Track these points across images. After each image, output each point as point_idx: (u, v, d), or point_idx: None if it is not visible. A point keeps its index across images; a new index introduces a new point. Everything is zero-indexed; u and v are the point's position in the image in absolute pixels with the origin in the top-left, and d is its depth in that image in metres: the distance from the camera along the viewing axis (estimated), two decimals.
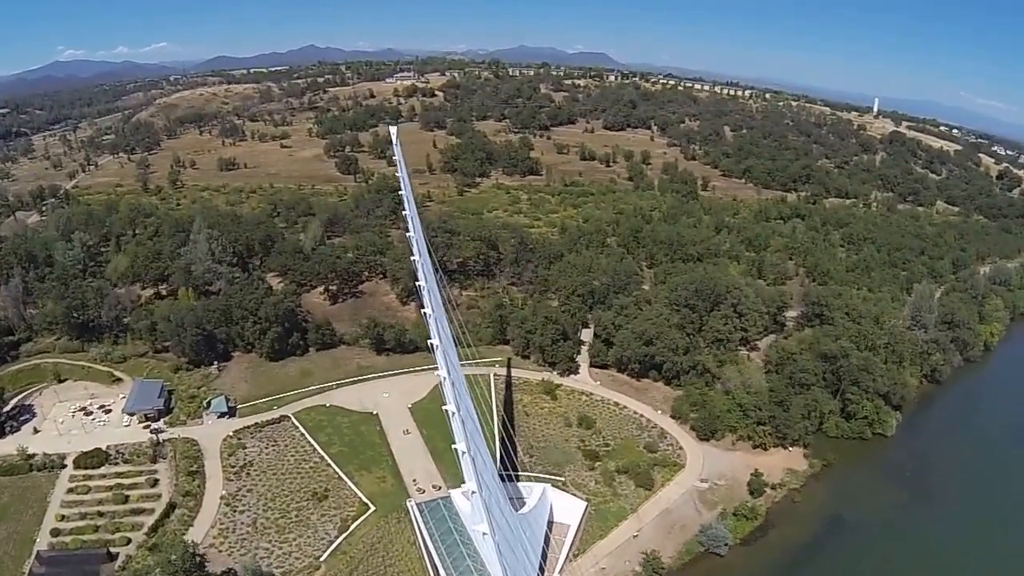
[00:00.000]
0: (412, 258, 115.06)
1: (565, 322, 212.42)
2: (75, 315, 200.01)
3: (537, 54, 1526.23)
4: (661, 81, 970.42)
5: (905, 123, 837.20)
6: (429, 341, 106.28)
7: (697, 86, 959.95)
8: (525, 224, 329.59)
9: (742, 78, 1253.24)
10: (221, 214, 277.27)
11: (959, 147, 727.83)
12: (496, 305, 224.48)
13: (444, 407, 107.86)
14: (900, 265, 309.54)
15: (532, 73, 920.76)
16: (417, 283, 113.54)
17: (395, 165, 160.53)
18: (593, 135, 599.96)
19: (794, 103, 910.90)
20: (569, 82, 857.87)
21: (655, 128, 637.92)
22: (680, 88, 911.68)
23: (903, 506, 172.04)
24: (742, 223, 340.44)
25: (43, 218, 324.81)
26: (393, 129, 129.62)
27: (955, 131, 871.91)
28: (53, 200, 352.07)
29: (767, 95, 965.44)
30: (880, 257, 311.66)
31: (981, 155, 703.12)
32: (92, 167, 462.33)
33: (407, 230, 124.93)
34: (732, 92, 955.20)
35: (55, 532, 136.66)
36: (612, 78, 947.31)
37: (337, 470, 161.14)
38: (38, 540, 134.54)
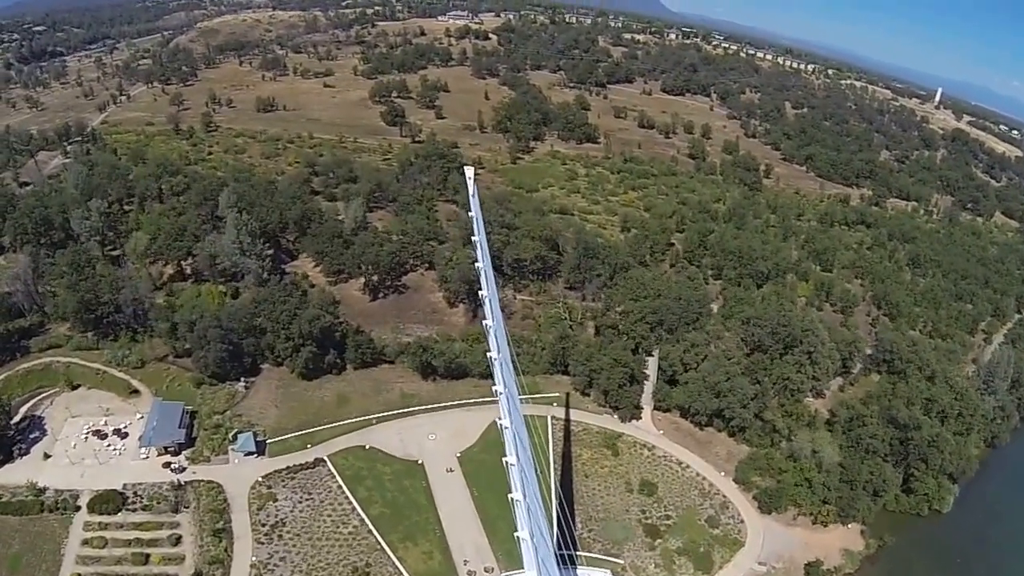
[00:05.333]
0: (485, 324, 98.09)
1: (633, 364, 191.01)
2: (89, 308, 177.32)
3: None
4: (723, 45, 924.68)
5: (967, 118, 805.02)
6: (494, 388, 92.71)
7: (759, 54, 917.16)
8: (583, 208, 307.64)
9: (799, 41, 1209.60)
10: (253, 184, 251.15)
11: (1020, 152, 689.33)
12: (559, 337, 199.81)
13: (509, 494, 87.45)
14: (965, 297, 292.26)
15: (589, 22, 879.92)
16: (489, 355, 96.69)
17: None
18: (651, 98, 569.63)
19: (857, 83, 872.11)
20: (628, 36, 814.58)
21: (715, 96, 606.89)
22: (742, 55, 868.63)
23: None
24: (809, 230, 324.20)
25: (66, 160, 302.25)
26: (468, 172, 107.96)
27: (1015, 132, 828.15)
28: (79, 139, 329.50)
29: (829, 71, 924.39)
30: (946, 285, 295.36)
31: None
32: (124, 98, 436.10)
33: (473, 260, 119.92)
34: (795, 65, 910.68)
35: None
36: (673, 36, 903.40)
37: (379, 539, 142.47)
38: None
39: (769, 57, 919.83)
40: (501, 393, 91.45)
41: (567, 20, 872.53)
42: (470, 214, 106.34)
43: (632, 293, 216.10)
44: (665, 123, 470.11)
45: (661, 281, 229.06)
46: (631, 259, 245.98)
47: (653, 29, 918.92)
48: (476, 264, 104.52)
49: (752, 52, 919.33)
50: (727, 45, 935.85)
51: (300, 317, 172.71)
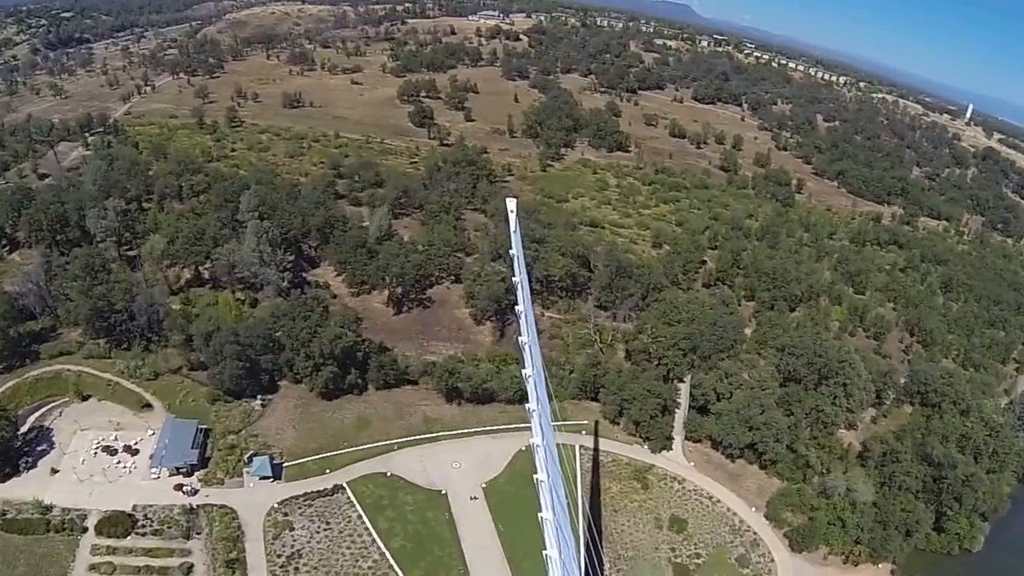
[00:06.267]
0: (520, 340, 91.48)
1: (666, 394, 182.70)
2: (102, 316, 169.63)
3: None
4: (755, 54, 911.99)
5: (997, 135, 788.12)
6: (527, 406, 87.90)
7: (791, 64, 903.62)
8: (614, 221, 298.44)
9: (827, 50, 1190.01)
10: (276, 186, 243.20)
11: None
12: (590, 364, 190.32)
13: (545, 551, 78.64)
14: (998, 324, 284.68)
15: (620, 27, 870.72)
16: (523, 372, 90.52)
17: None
18: (682, 106, 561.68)
19: (889, 97, 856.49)
20: (660, 42, 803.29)
21: (746, 107, 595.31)
22: (774, 65, 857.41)
23: None
24: (842, 250, 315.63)
25: (87, 152, 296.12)
26: (511, 203, 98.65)
27: None
28: (101, 130, 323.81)
29: (861, 84, 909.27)
30: (978, 311, 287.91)
31: None
32: (149, 88, 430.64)
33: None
34: (827, 77, 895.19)
35: None
36: (704, 43, 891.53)
37: (400, 575, 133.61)
38: None
39: (801, 68, 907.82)
40: (534, 411, 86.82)
41: (598, 23, 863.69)
42: (511, 252, 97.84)
43: (665, 317, 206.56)
44: (696, 133, 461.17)
45: (695, 305, 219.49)
46: (664, 279, 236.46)
47: (685, 35, 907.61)
48: (517, 308, 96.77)
49: (784, 62, 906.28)
50: (759, 54, 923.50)
51: (321, 335, 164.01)
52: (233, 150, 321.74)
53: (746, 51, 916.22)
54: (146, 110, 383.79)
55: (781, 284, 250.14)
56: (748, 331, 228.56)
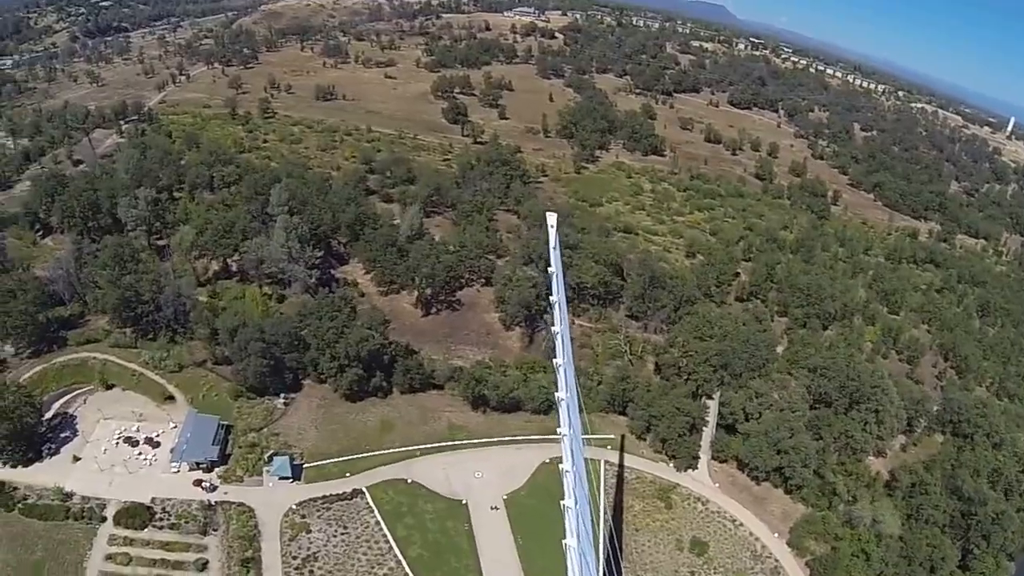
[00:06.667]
0: (555, 363, 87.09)
1: (695, 412, 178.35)
2: (129, 306, 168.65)
3: None
4: (792, 59, 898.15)
5: None
6: (558, 431, 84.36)
7: (829, 71, 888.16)
8: (648, 227, 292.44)
9: (865, 56, 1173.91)
10: (307, 181, 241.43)
11: None
12: (619, 378, 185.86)
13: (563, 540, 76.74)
14: None
15: (656, 27, 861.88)
16: (556, 395, 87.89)
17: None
18: (718, 110, 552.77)
19: (928, 108, 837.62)
20: (696, 44, 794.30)
21: (782, 113, 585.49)
22: (811, 71, 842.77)
23: None
24: (877, 267, 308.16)
25: (121, 139, 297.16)
26: (551, 219, 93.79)
27: None
28: (135, 118, 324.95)
29: (900, 93, 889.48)
30: (1015, 337, 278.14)
31: None
32: (184, 78, 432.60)
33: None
34: (864, 84, 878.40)
35: None
36: (741, 46, 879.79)
37: None
38: None
39: (838, 74, 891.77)
40: (565, 436, 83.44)
41: (634, 23, 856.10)
42: (550, 269, 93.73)
43: (698, 331, 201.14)
44: (732, 139, 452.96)
45: (728, 320, 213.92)
46: (697, 291, 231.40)
47: (721, 38, 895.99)
48: (552, 328, 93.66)
49: (821, 68, 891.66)
50: (796, 59, 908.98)
51: (347, 337, 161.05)
52: (265, 141, 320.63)
53: (783, 55, 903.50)
54: (180, 99, 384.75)
55: (815, 301, 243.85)
56: (780, 349, 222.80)
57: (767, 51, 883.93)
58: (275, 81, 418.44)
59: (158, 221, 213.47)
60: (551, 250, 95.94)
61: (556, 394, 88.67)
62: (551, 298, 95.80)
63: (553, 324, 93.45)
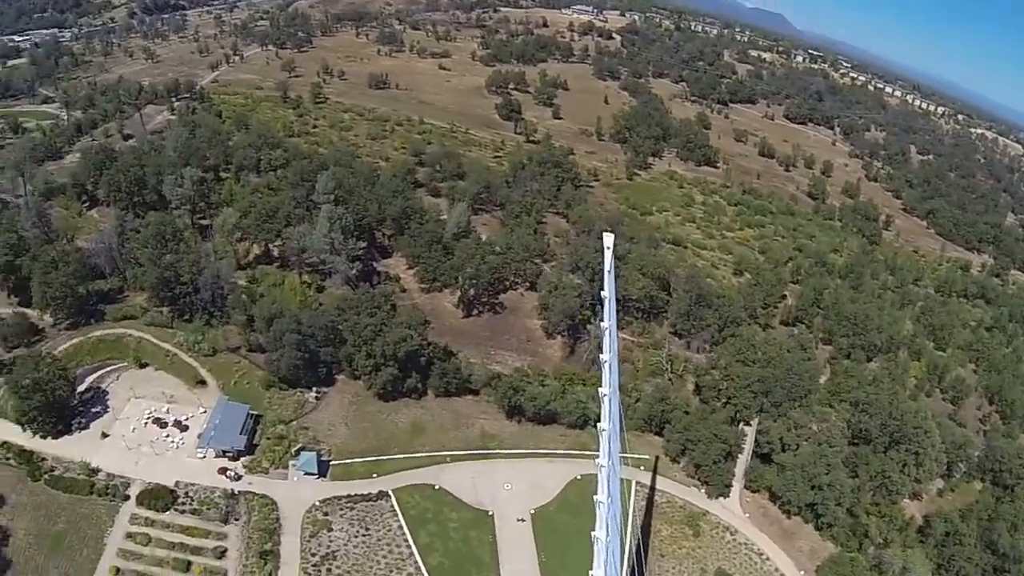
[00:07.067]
0: (600, 392, 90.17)
1: (732, 439, 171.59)
2: (167, 287, 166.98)
3: (715, 2, 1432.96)
4: (850, 74, 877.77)
5: None
6: (599, 426, 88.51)
7: (888, 89, 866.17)
8: (697, 241, 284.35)
9: (923, 75, 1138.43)
10: (355, 169, 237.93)
11: None
12: (658, 398, 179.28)
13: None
14: None
15: (715, 33, 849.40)
16: (599, 426, 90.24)
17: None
18: (773, 123, 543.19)
19: (988, 134, 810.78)
20: (755, 53, 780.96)
21: (838, 130, 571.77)
22: (870, 88, 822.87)
23: None
24: (926, 299, 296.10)
25: (171, 116, 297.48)
26: (608, 239, 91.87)
27: None
28: (187, 96, 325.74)
29: (959, 117, 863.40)
30: None
31: None
32: (237, 58, 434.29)
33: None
34: (923, 106, 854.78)
35: None
36: (799, 58, 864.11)
37: None
38: None
39: (897, 93, 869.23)
40: (604, 467, 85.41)
41: (692, 27, 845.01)
42: (603, 293, 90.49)
43: (741, 355, 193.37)
44: (786, 154, 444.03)
45: (772, 346, 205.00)
46: (743, 312, 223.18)
47: (780, 48, 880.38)
48: (602, 357, 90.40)
49: (880, 86, 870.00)
50: (854, 75, 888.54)
51: (385, 335, 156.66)
52: (315, 127, 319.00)
53: (841, 71, 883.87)
54: (232, 79, 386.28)
55: (861, 331, 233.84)
56: (822, 379, 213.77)
57: (825, 65, 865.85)
58: (328, 66, 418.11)
59: (202, 201, 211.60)
60: (606, 273, 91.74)
61: (599, 425, 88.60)
62: (602, 324, 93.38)
63: (602, 352, 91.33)
